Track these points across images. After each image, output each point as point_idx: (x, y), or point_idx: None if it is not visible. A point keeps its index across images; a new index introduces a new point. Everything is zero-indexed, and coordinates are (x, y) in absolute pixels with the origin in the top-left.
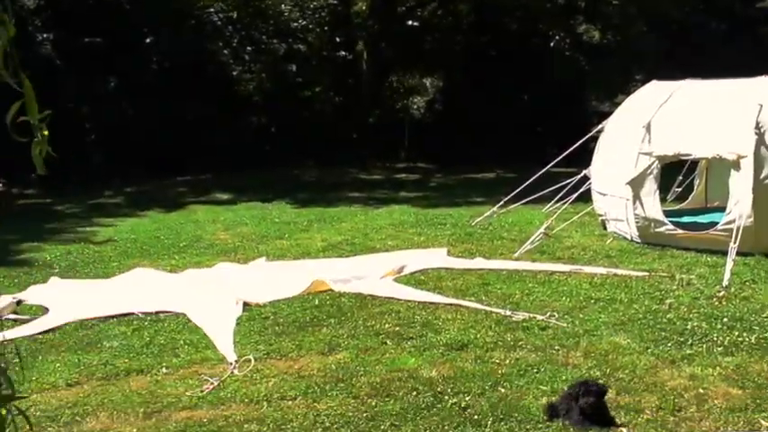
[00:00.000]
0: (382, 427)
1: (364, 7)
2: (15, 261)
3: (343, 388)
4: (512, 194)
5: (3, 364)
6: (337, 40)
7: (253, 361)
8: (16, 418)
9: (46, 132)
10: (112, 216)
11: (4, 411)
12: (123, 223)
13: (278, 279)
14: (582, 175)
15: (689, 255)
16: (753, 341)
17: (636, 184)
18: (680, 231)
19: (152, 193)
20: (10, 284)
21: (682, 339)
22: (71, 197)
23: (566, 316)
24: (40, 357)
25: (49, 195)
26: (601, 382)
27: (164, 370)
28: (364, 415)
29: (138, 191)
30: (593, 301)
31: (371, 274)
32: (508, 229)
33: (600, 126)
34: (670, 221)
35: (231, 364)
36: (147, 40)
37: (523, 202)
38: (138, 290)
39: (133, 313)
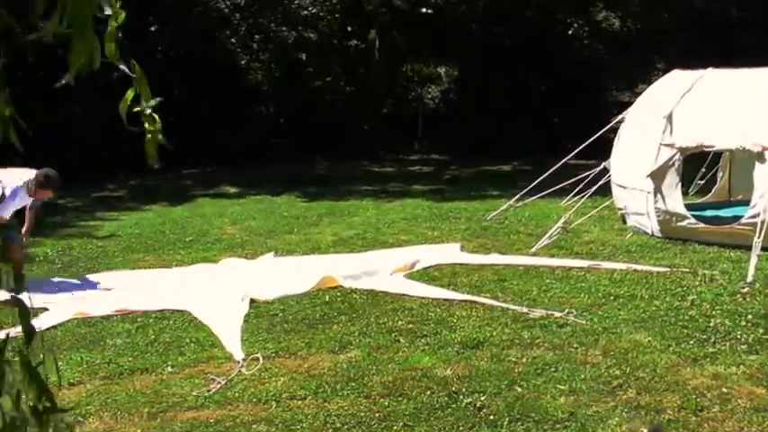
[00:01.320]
0: (395, 427)
1: None
2: None
3: (355, 387)
4: (528, 188)
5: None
6: (348, 28)
7: (261, 359)
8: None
9: (158, 121)
10: (116, 210)
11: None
12: (127, 217)
13: (286, 275)
14: (601, 167)
15: (712, 250)
16: None
17: (657, 176)
18: (702, 225)
19: (157, 187)
20: (10, 280)
21: (704, 337)
22: (73, 190)
23: (584, 313)
24: (41, 356)
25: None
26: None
27: (169, 369)
28: (376, 415)
29: (142, 184)
30: (612, 298)
31: (383, 269)
32: (525, 224)
33: (620, 117)
34: (692, 215)
35: (239, 362)
36: (152, 29)
37: (540, 195)
38: (142, 287)
39: (136, 311)
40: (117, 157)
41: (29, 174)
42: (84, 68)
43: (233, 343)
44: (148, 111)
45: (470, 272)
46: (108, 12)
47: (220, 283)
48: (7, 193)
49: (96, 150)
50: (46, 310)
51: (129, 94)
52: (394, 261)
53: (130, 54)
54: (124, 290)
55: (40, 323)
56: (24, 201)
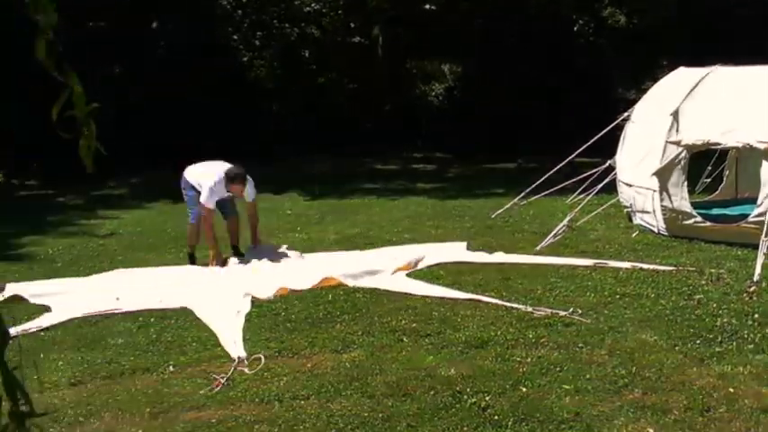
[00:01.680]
0: (399, 427)
1: None
2: (16, 255)
3: (358, 387)
4: (533, 185)
5: (20, 377)
6: (351, 24)
7: (263, 359)
8: None
9: (93, 127)
10: (117, 208)
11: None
12: (128, 215)
13: (287, 272)
14: (606, 165)
15: (718, 248)
16: None
17: (663, 174)
18: (709, 224)
19: (158, 184)
20: (11, 280)
21: (711, 336)
22: (74, 188)
23: (590, 312)
24: (42, 355)
25: (51, 187)
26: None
27: (171, 368)
28: (380, 415)
29: (143, 182)
30: (618, 297)
31: (386, 268)
32: (530, 222)
33: (625, 114)
34: (698, 213)
35: (235, 360)
36: (154, 25)
37: (545, 193)
38: (142, 286)
39: (140, 310)
40: (117, 156)
41: (224, 166)
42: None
43: (231, 341)
44: (83, 117)
45: (475, 270)
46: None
47: (223, 281)
48: (203, 184)
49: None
50: (48, 310)
51: (61, 99)
52: (398, 259)
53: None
54: (128, 288)
55: (40, 322)
56: (223, 193)
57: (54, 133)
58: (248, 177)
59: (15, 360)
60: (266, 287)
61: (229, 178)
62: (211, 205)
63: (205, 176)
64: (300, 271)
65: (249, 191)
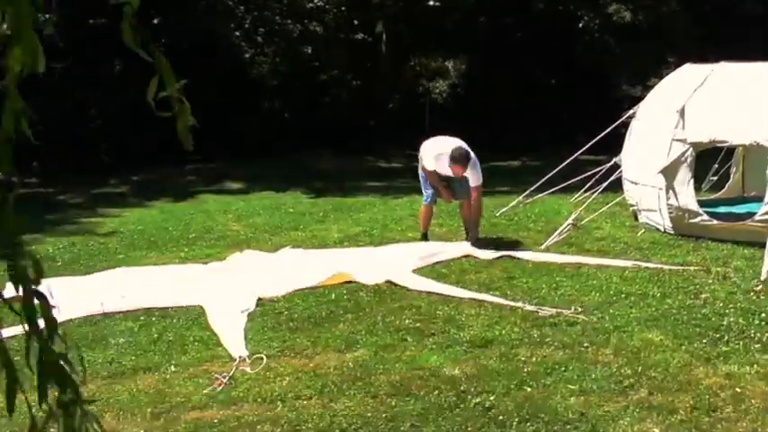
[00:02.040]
0: (402, 428)
1: None
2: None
3: (362, 387)
4: (538, 183)
5: (66, 366)
6: (355, 21)
7: (265, 359)
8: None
9: (187, 104)
10: (118, 206)
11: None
12: (129, 214)
13: (297, 270)
14: (612, 163)
15: (725, 247)
16: None
17: (669, 172)
18: (715, 222)
19: (160, 182)
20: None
21: (717, 336)
22: (74, 186)
23: (595, 311)
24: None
25: (50, 184)
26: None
27: (172, 368)
28: (383, 415)
29: (144, 180)
30: (623, 296)
31: (393, 265)
32: (534, 220)
33: (631, 111)
34: (705, 212)
35: (236, 359)
36: (155, 21)
37: (550, 191)
38: (152, 284)
39: (151, 308)
40: (118, 152)
41: (454, 144)
42: (27, 71)
43: (234, 341)
44: (175, 95)
45: (479, 269)
46: None
47: (230, 280)
48: (424, 157)
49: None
50: (53, 307)
51: (154, 82)
52: (405, 256)
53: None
54: (133, 286)
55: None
56: (444, 170)
57: (55, 130)
58: (474, 159)
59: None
60: (275, 286)
61: (452, 158)
62: (430, 167)
63: (429, 150)
64: (310, 268)
65: (472, 174)
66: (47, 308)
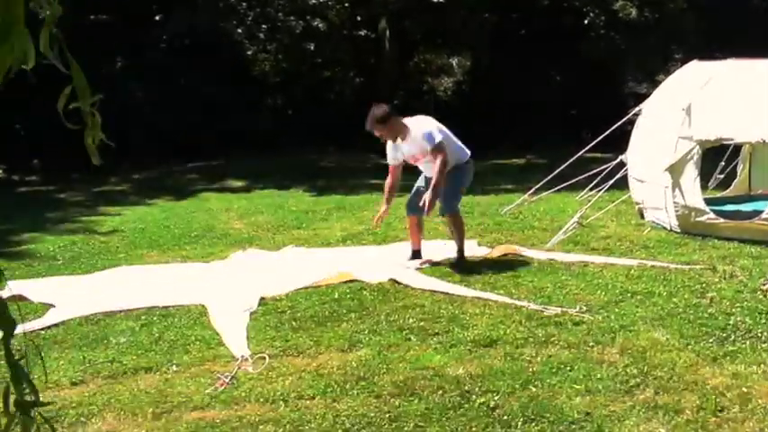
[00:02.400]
0: (406, 428)
1: None
2: (15, 252)
3: (365, 387)
4: (543, 181)
5: (25, 367)
6: (358, 17)
7: (267, 359)
8: (41, 427)
9: (98, 118)
10: (119, 204)
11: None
12: (131, 212)
13: (300, 269)
14: (618, 160)
15: (732, 245)
16: None
17: (675, 170)
18: (722, 220)
19: (161, 180)
20: (10, 277)
21: (724, 335)
22: (75, 184)
23: (601, 310)
24: (42, 354)
25: (51, 182)
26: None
27: (174, 368)
28: (387, 415)
29: (146, 178)
30: (629, 295)
31: (397, 263)
32: (540, 218)
33: (637, 108)
34: (711, 210)
35: (238, 359)
36: (157, 18)
37: (556, 189)
38: (153, 283)
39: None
40: (119, 151)
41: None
42: (15, 68)
43: (235, 340)
44: (87, 108)
45: (483, 267)
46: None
47: (233, 279)
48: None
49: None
50: (52, 306)
51: (66, 91)
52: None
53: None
54: (136, 285)
55: (43, 321)
56: (396, 150)
57: (55, 128)
58: (424, 121)
59: (20, 353)
60: (278, 285)
61: (372, 118)
62: (389, 162)
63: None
64: (313, 267)
65: (415, 134)
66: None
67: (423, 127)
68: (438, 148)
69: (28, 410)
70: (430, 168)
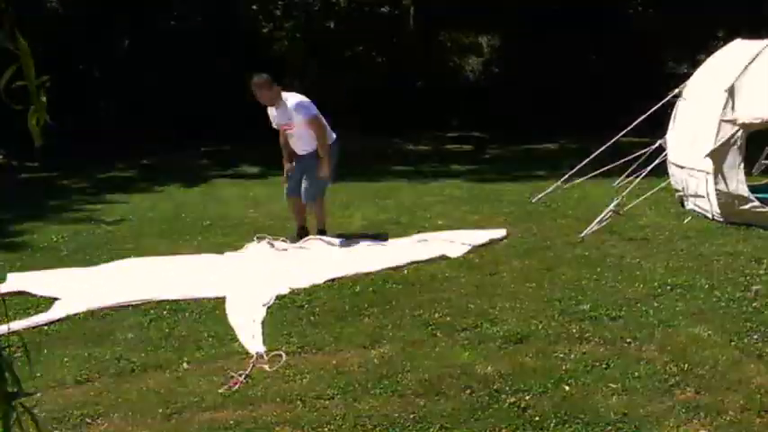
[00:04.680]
0: (431, 429)
1: None
2: (16, 243)
3: (388, 386)
4: (577, 167)
5: (7, 357)
6: None
7: (284, 356)
8: (22, 417)
9: (44, 99)
10: (126, 192)
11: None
12: (138, 200)
13: (318, 261)
14: (657, 145)
15: None
16: None
17: (718, 155)
18: (767, 209)
19: (171, 166)
20: (11, 269)
21: None
22: (79, 171)
23: (638, 304)
24: (46, 351)
25: (54, 169)
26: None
27: (185, 365)
28: (411, 416)
29: (154, 163)
30: (669, 288)
31: (422, 256)
32: (573, 207)
33: (677, 90)
34: (756, 198)
35: (253, 356)
36: None
37: (590, 175)
38: (163, 275)
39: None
40: (125, 135)
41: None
42: None
43: (250, 336)
44: (33, 88)
45: (514, 259)
46: None
47: (249, 271)
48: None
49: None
50: (56, 300)
51: (10, 70)
52: (434, 247)
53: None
54: (144, 277)
55: (48, 315)
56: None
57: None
58: (299, 96)
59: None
60: (296, 278)
61: (254, 84)
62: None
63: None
64: (333, 259)
65: (288, 103)
66: None
67: (296, 98)
68: (315, 120)
69: (9, 402)
70: (299, 143)
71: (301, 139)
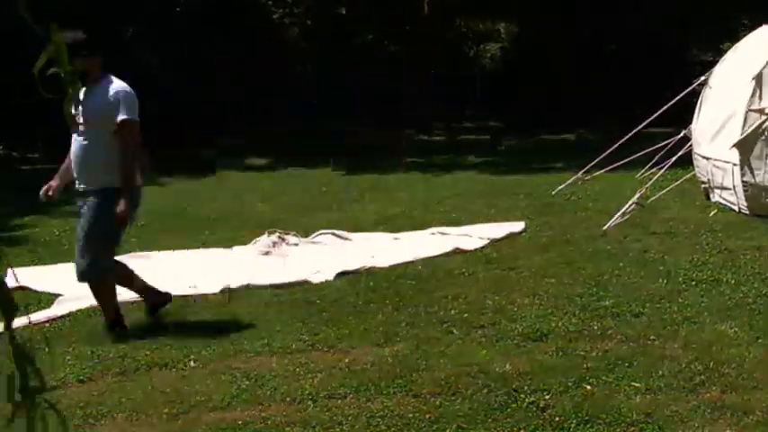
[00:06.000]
0: (447, 430)
1: None
2: (16, 237)
3: (402, 385)
4: (599, 158)
5: (29, 352)
6: None
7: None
8: (46, 412)
9: (79, 86)
10: None
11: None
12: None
13: (331, 256)
14: (681, 135)
15: None
16: None
17: (745, 146)
18: None
19: (177, 158)
20: (10, 264)
21: None
22: None
23: (662, 300)
24: (48, 349)
25: (55, 160)
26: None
27: (191, 363)
28: (426, 416)
29: (158, 154)
30: (693, 283)
31: (437, 251)
32: (594, 199)
33: (702, 78)
34: None
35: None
36: None
37: (612, 167)
38: (169, 271)
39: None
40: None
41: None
42: None
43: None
44: (68, 76)
45: (533, 253)
46: None
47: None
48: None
49: None
50: (59, 296)
51: (43, 58)
52: (449, 242)
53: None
54: (150, 273)
55: (49, 312)
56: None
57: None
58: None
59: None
60: (309, 273)
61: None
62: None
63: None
64: (346, 254)
65: (111, 88)
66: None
67: (125, 87)
68: (131, 126)
69: (33, 397)
70: (85, 150)
71: (96, 150)
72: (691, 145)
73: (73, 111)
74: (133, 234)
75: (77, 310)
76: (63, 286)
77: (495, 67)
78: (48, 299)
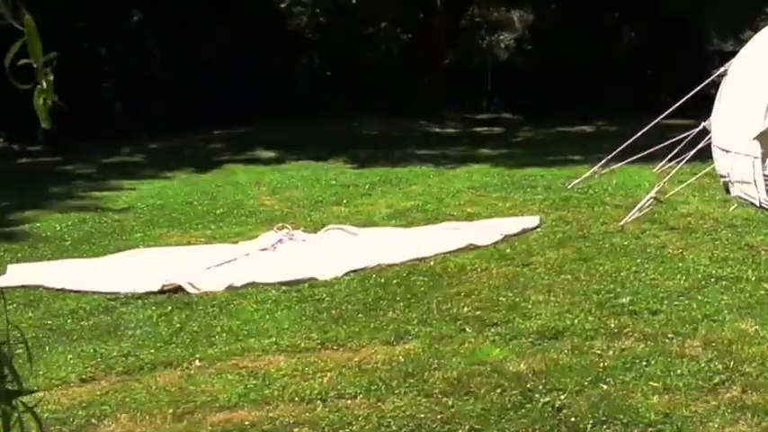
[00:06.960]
0: (460, 430)
1: None
2: (16, 232)
3: (414, 384)
4: (616, 151)
5: (7, 353)
6: None
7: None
8: (24, 415)
9: (51, 78)
10: (134, 177)
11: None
12: (147, 186)
13: (341, 253)
14: (700, 127)
15: None
16: None
17: (766, 138)
18: None
19: (181, 150)
20: (11, 260)
21: None
22: (84, 155)
23: (681, 297)
24: (48, 347)
25: (57, 153)
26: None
27: (197, 363)
28: (439, 417)
29: (164, 147)
30: (713, 280)
31: (450, 246)
32: (611, 193)
33: (722, 69)
34: None
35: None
36: None
37: (630, 160)
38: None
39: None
40: (132, 117)
41: None
42: None
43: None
44: (40, 66)
45: (548, 249)
46: None
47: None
48: None
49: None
50: (61, 291)
51: (15, 47)
52: (463, 237)
53: None
54: (155, 269)
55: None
56: None
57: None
58: None
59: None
60: (317, 270)
61: None
62: None
63: None
64: (356, 251)
65: None
66: None
67: None
68: None
69: (9, 400)
70: None
71: None
72: (710, 137)
73: None
74: (138, 229)
75: (79, 308)
76: (66, 283)
77: (510, 56)
78: (49, 295)
